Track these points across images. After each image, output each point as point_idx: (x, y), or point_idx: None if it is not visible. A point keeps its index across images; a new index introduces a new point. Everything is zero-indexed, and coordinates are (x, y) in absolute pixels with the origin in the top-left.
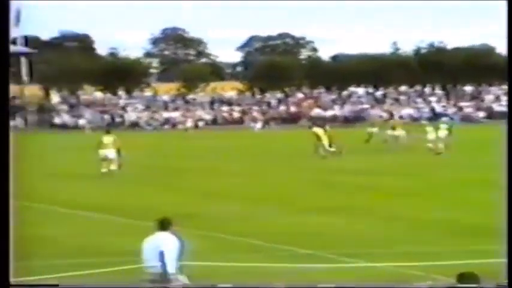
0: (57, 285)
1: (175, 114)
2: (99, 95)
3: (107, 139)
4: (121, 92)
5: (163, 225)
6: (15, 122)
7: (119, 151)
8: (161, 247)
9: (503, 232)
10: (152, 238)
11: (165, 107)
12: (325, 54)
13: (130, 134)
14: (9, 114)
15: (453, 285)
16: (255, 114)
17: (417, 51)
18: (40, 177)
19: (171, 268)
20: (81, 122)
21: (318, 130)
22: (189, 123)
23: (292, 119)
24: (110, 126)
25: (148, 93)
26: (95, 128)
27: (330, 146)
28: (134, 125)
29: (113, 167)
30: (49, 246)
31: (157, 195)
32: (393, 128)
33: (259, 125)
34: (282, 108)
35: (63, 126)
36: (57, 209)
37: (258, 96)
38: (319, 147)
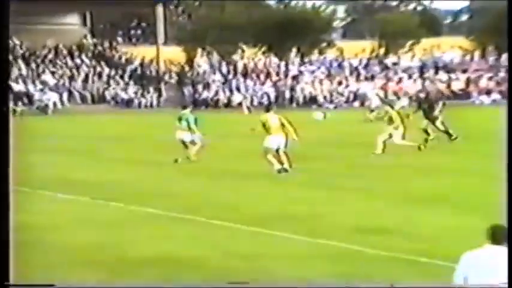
0: (54, 285)
1: (368, 86)
2: (262, 59)
3: (273, 120)
4: (292, 55)
5: (497, 236)
6: (147, 98)
7: (286, 138)
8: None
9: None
10: (483, 254)
11: (356, 75)
12: None
13: (302, 113)
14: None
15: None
16: (484, 83)
17: None
18: (175, 175)
19: None
20: (237, 97)
21: (390, 110)
22: (376, 102)
23: None
24: (275, 103)
25: (330, 55)
26: (256, 106)
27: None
28: (310, 101)
29: (285, 164)
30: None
31: (332, 200)
32: None
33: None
34: None
35: (210, 104)
36: (196, 219)
37: (492, 59)
38: (387, 135)
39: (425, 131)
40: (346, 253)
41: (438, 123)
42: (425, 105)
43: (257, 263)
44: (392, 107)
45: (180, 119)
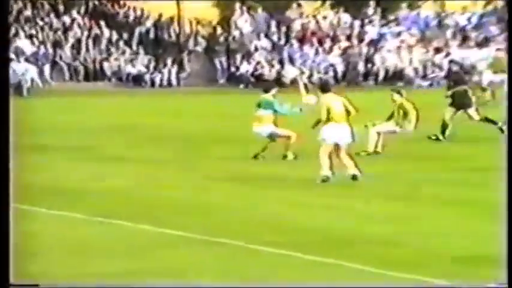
0: (56, 285)
1: (479, 54)
2: (327, 17)
3: (336, 105)
4: (370, 11)
5: None
6: (163, 74)
7: (352, 130)
8: None
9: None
10: None
11: (462, 38)
12: None
13: (383, 94)
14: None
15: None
16: None
17: None
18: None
19: None
20: (290, 72)
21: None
22: (488, 78)
23: None
24: (345, 79)
25: (425, 11)
26: (317, 85)
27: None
28: (394, 76)
29: (352, 169)
30: None
31: (421, 217)
32: None
33: None
34: None
35: (251, 81)
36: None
37: None
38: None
39: (443, 124)
40: None
41: (472, 110)
42: (456, 86)
43: None
44: (401, 94)
45: (259, 106)
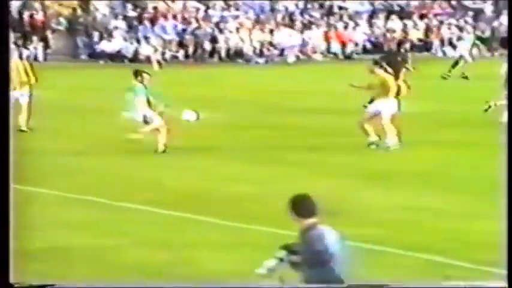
0: (55, 285)
1: (308, 34)
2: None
3: None
4: None
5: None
6: (30, 50)
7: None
8: None
9: (503, 232)
10: None
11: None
12: None
13: (225, 70)
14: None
15: (451, 285)
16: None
17: None
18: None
19: None
20: (145, 49)
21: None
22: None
23: None
24: (193, 56)
25: None
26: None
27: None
28: (236, 54)
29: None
30: None
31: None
32: None
33: None
34: None
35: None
36: None
37: None
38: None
39: None
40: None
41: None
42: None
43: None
44: (385, 69)
45: (131, 91)
